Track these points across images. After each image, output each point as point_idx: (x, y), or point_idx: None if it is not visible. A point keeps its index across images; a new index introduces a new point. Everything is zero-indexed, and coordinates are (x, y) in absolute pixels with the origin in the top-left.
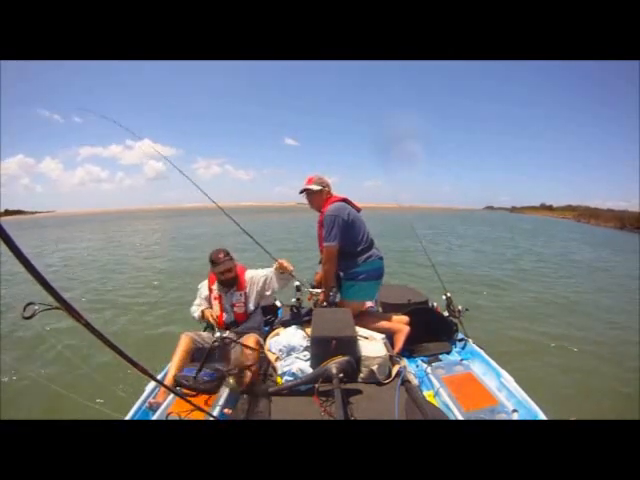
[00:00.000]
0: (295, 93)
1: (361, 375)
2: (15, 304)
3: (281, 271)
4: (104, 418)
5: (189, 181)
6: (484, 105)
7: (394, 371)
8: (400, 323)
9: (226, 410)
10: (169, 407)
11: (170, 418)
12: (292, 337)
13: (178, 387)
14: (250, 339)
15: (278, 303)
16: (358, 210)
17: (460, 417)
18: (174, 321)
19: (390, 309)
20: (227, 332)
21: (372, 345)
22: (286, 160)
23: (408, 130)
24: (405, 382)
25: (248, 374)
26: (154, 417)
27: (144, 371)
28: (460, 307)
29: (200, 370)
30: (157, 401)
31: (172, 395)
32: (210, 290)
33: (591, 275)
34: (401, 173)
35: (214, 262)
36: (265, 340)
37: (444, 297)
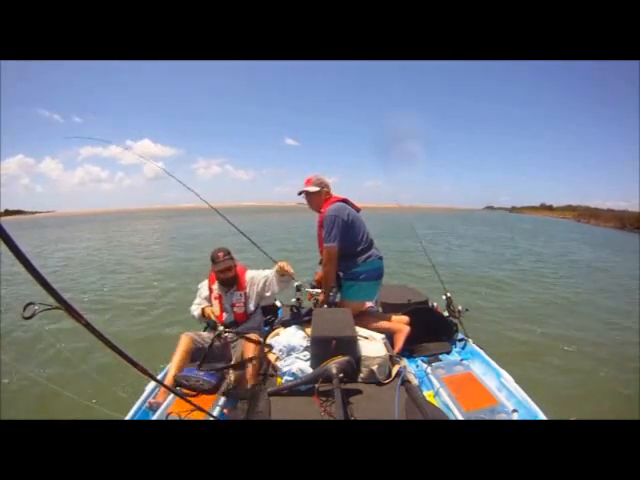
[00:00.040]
0: (295, 93)
1: (361, 375)
2: (15, 304)
3: (282, 274)
4: (104, 418)
5: (186, 182)
6: (484, 105)
7: (394, 371)
8: (400, 323)
9: (226, 410)
10: (169, 407)
11: (170, 418)
12: (292, 337)
13: (178, 387)
14: (251, 337)
15: (278, 303)
16: (358, 210)
17: (460, 417)
18: (174, 321)
19: (390, 309)
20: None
21: (372, 345)
22: (286, 160)
23: (408, 130)
24: (405, 382)
25: (250, 368)
26: (154, 417)
27: (144, 371)
28: (460, 307)
29: (201, 365)
30: (157, 401)
31: (172, 395)
32: (210, 290)
33: (591, 275)
34: (401, 173)
35: (214, 260)
36: (265, 340)
37: (444, 297)
